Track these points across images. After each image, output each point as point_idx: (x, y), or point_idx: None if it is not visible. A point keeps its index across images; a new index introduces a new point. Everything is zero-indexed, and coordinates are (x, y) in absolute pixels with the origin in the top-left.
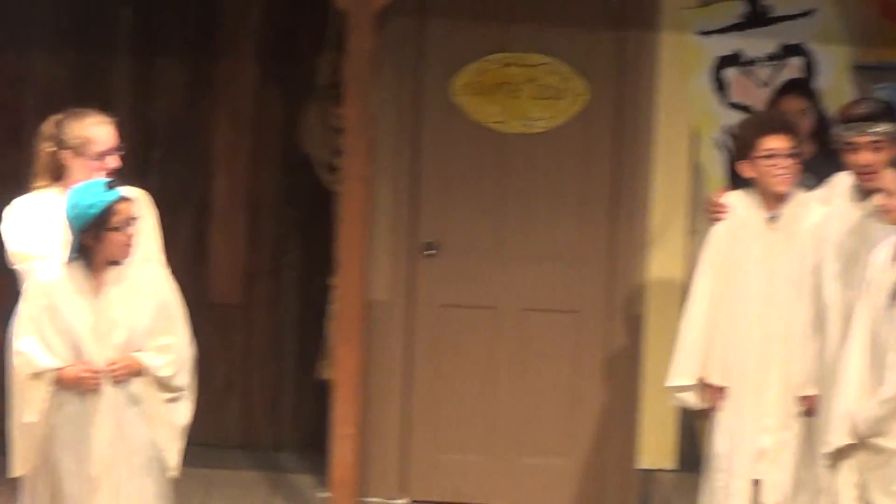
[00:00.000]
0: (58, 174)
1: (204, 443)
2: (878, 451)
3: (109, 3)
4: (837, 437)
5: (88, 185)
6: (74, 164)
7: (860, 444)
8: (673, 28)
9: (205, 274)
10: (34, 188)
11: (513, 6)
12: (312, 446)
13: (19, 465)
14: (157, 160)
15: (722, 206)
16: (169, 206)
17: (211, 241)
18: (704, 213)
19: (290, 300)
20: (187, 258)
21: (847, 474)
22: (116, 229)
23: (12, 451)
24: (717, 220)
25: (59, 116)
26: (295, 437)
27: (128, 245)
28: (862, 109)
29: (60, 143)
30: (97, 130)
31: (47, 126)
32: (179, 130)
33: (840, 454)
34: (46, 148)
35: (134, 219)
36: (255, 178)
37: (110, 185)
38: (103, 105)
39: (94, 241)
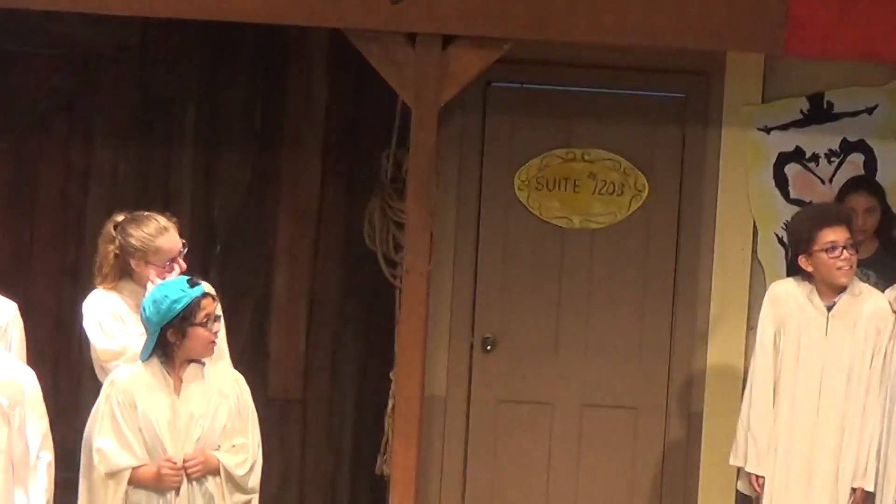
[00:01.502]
0: (123, 274)
1: None
2: None
3: (174, 97)
4: None
5: (172, 282)
6: (141, 269)
7: None
8: (735, 124)
9: (264, 368)
10: (101, 286)
11: (574, 102)
12: None
13: None
14: (218, 254)
15: None
16: (229, 301)
17: (270, 335)
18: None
19: (347, 395)
20: (247, 352)
21: None
22: (202, 325)
23: None
24: None
25: (120, 217)
26: None
27: (212, 342)
28: None
29: (125, 250)
30: (162, 240)
31: (108, 228)
32: (241, 225)
33: None
34: (111, 251)
35: (218, 315)
36: (316, 272)
37: (192, 282)
38: (165, 199)
39: (177, 338)
